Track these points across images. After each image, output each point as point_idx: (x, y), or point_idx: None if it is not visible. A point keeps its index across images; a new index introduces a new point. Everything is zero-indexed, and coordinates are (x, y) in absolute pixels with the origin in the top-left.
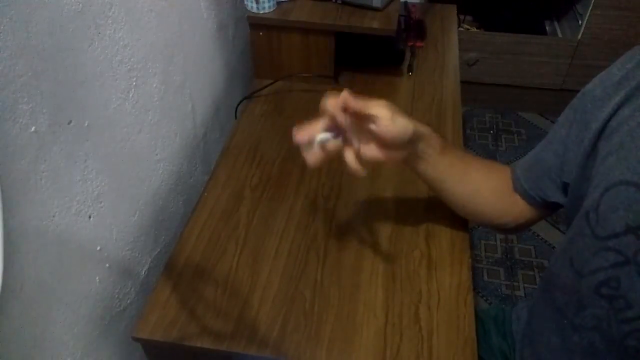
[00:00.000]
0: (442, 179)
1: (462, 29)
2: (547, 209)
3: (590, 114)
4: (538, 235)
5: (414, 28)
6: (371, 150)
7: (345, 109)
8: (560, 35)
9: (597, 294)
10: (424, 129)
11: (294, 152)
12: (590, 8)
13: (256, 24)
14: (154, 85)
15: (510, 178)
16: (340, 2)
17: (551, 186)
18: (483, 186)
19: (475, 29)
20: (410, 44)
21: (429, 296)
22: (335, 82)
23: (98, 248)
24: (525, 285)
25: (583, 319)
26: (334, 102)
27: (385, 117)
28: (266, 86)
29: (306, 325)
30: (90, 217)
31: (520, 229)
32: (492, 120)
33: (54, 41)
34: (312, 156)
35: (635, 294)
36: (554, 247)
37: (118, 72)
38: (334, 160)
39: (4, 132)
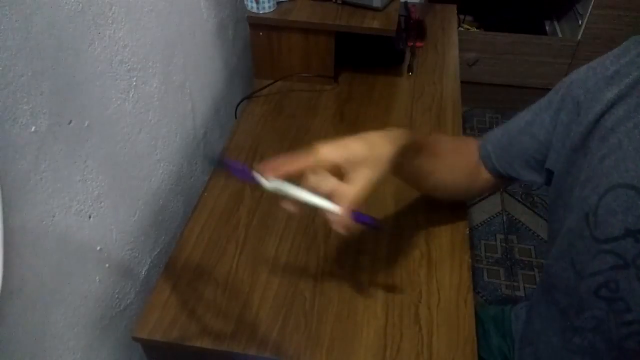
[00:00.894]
0: (410, 178)
1: (462, 29)
2: (512, 181)
3: (582, 105)
4: (538, 236)
5: (414, 28)
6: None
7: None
8: (560, 35)
9: (596, 296)
10: (403, 136)
11: (294, 152)
12: (590, 8)
13: (256, 24)
14: (154, 85)
15: (476, 151)
16: (340, 2)
17: (525, 167)
18: (450, 175)
19: (475, 29)
20: (410, 44)
21: (429, 296)
22: (335, 82)
23: (98, 248)
24: (525, 285)
25: (583, 321)
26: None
27: (335, 148)
28: (266, 86)
29: (306, 325)
30: (90, 217)
31: (482, 196)
32: (492, 120)
33: (54, 41)
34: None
35: (634, 297)
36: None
37: (118, 72)
38: None
39: (4, 132)
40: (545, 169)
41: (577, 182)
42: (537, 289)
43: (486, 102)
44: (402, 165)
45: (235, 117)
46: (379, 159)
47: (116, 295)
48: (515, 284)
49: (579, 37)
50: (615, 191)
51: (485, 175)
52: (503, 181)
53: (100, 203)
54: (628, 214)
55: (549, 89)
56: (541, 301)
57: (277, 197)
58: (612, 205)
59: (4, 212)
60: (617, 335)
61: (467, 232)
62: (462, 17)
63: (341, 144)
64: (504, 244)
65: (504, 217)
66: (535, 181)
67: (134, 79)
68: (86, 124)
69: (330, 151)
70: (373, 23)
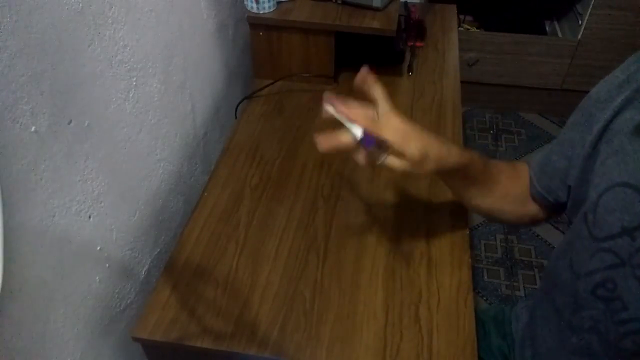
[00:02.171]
0: (463, 192)
1: (462, 29)
2: (560, 208)
3: (593, 117)
4: (538, 235)
5: (414, 28)
6: (391, 161)
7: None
8: (560, 35)
9: (593, 296)
10: (441, 150)
11: (294, 152)
12: (590, 8)
13: (256, 24)
14: (154, 85)
15: (528, 180)
16: (340, 2)
17: (562, 188)
18: (503, 199)
19: (475, 29)
20: (410, 44)
21: (429, 296)
22: (335, 82)
23: (98, 248)
24: (525, 285)
25: (580, 320)
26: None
27: (396, 144)
28: (266, 86)
29: (306, 325)
30: (90, 217)
31: (537, 224)
32: (492, 120)
33: (53, 41)
34: (335, 140)
35: (630, 295)
36: (554, 247)
37: (118, 72)
38: (333, 162)
39: (4, 132)
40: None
41: (588, 186)
42: (538, 289)
43: (486, 102)
44: (447, 181)
45: (235, 117)
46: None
47: (116, 295)
48: (515, 284)
49: (579, 37)
50: (613, 190)
51: (536, 204)
52: (550, 207)
53: (100, 203)
54: (625, 212)
55: (549, 89)
56: (541, 301)
57: (277, 197)
58: (611, 203)
59: (4, 212)
60: (614, 335)
61: (467, 232)
62: (462, 17)
63: (404, 132)
64: (504, 244)
65: None
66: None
67: (134, 79)
68: (86, 124)
69: (389, 133)
70: (373, 23)
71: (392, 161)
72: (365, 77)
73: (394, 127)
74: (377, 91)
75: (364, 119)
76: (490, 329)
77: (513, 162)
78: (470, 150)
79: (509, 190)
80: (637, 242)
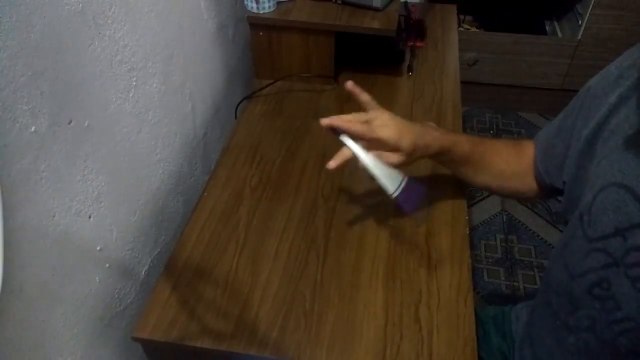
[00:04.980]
0: (455, 171)
1: (462, 29)
2: (555, 192)
3: (589, 110)
4: (538, 235)
5: (414, 28)
6: (387, 157)
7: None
8: (560, 35)
9: (589, 295)
10: (426, 138)
11: (294, 152)
12: (590, 8)
13: (256, 24)
14: (154, 85)
15: (532, 157)
16: (340, 2)
17: (559, 175)
18: (499, 177)
19: (475, 29)
20: (410, 44)
21: (429, 296)
22: (335, 82)
23: (98, 248)
24: (525, 285)
25: (577, 320)
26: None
27: (392, 139)
28: (266, 86)
29: (306, 325)
30: (90, 217)
31: (532, 201)
32: (492, 120)
33: (54, 41)
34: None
35: (624, 295)
36: (553, 247)
37: (118, 72)
38: None
39: (4, 132)
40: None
41: (582, 186)
42: (538, 290)
43: (486, 102)
44: (437, 161)
45: (235, 117)
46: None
47: (116, 295)
48: (515, 284)
49: (579, 37)
50: (607, 190)
51: (533, 180)
52: (547, 188)
53: (100, 203)
54: (618, 212)
55: (549, 89)
56: (540, 302)
57: (277, 197)
58: (605, 203)
59: (4, 212)
60: (610, 334)
61: (467, 232)
62: (462, 17)
63: (397, 128)
64: (504, 244)
65: (504, 217)
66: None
67: (134, 79)
68: (86, 124)
69: (385, 131)
70: (373, 23)
71: (389, 157)
72: (352, 89)
73: (386, 125)
74: (364, 96)
75: (360, 127)
76: (490, 329)
77: (518, 141)
78: (457, 133)
79: (505, 168)
80: (629, 242)
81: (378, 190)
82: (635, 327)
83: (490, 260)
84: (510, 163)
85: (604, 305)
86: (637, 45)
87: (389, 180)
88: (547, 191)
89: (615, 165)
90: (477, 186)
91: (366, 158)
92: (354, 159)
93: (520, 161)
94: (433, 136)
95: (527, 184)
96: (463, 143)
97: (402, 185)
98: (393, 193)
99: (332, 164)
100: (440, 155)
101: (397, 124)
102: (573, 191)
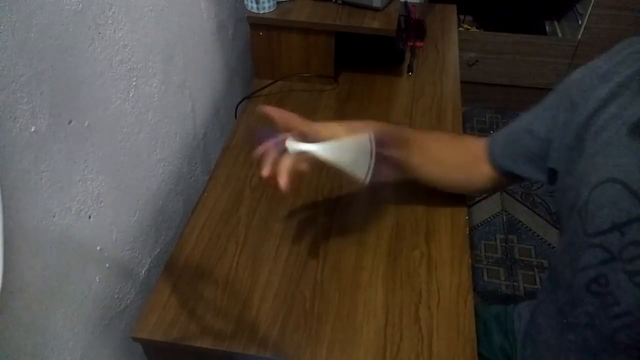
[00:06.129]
0: (404, 154)
1: (462, 29)
2: (515, 180)
3: (575, 105)
4: (538, 235)
5: (414, 28)
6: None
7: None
8: (560, 35)
9: (588, 291)
10: (374, 123)
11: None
12: (590, 8)
13: (256, 24)
14: (154, 85)
15: (474, 148)
16: (340, 2)
17: (528, 165)
18: (440, 165)
19: (475, 29)
20: (410, 44)
21: (429, 296)
22: (335, 82)
23: (98, 248)
24: (525, 285)
25: (577, 317)
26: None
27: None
28: (266, 86)
29: (306, 325)
30: (90, 217)
31: (485, 193)
32: (492, 120)
33: (54, 41)
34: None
35: (621, 290)
36: (553, 247)
37: (118, 72)
38: None
39: (4, 132)
40: (548, 168)
41: (576, 180)
42: (541, 288)
43: (486, 102)
44: (387, 158)
45: (235, 117)
46: None
47: (116, 295)
48: (515, 283)
49: (579, 37)
50: (603, 185)
51: (486, 173)
52: (506, 180)
53: (100, 203)
54: (614, 207)
55: (549, 89)
56: (545, 300)
57: (277, 197)
58: (601, 199)
59: (4, 212)
60: (608, 330)
61: (467, 232)
62: (462, 17)
63: (330, 127)
64: (504, 244)
65: (504, 217)
66: (538, 179)
67: (134, 79)
68: (86, 124)
69: (321, 130)
70: (373, 23)
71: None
72: (269, 113)
73: (327, 127)
74: (293, 118)
75: (301, 124)
76: (493, 327)
77: (461, 135)
78: (387, 124)
79: (445, 157)
80: (626, 238)
81: (378, 190)
82: (634, 321)
83: (490, 260)
84: (453, 153)
85: (603, 301)
86: (626, 41)
87: (356, 167)
88: (507, 180)
89: (609, 160)
90: (422, 179)
91: (325, 153)
92: (310, 165)
93: (463, 152)
94: (378, 124)
95: (472, 176)
96: (405, 128)
97: (371, 165)
98: (365, 179)
99: (283, 183)
100: (382, 135)
101: (335, 124)
102: (563, 182)
